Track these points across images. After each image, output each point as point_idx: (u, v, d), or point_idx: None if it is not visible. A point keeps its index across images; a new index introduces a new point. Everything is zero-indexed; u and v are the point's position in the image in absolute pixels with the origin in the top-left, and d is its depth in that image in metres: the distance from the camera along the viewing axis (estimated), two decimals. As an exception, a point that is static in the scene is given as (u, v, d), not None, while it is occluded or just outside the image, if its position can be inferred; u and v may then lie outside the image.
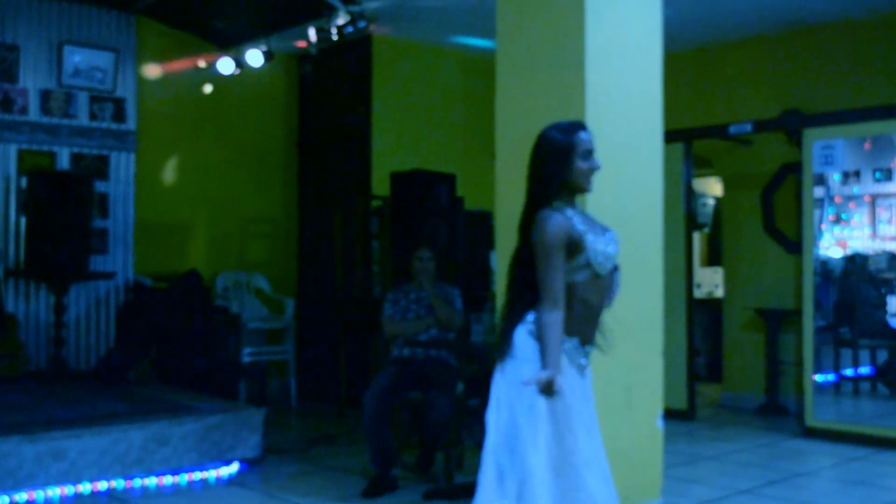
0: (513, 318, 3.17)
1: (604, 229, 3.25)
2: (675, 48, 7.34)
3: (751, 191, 8.24)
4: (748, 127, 7.41)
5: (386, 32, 8.29)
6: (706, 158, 8.83)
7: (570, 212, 3.16)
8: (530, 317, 3.12)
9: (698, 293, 9.36)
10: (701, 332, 9.30)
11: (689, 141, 7.80)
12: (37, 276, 7.39)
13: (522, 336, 3.11)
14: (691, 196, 8.05)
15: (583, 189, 3.22)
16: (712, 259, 10.68)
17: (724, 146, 8.40)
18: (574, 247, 3.11)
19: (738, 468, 5.92)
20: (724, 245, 8.76)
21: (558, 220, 3.09)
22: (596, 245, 3.14)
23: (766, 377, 7.97)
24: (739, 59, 8.44)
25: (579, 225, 3.13)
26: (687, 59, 8.49)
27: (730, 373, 8.48)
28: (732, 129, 7.47)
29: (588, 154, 3.19)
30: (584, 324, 3.17)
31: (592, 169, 3.21)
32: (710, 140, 8.15)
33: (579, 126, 3.23)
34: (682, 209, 7.71)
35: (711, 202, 10.78)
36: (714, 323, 9.32)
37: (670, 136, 5.92)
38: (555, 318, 3.01)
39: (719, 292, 9.54)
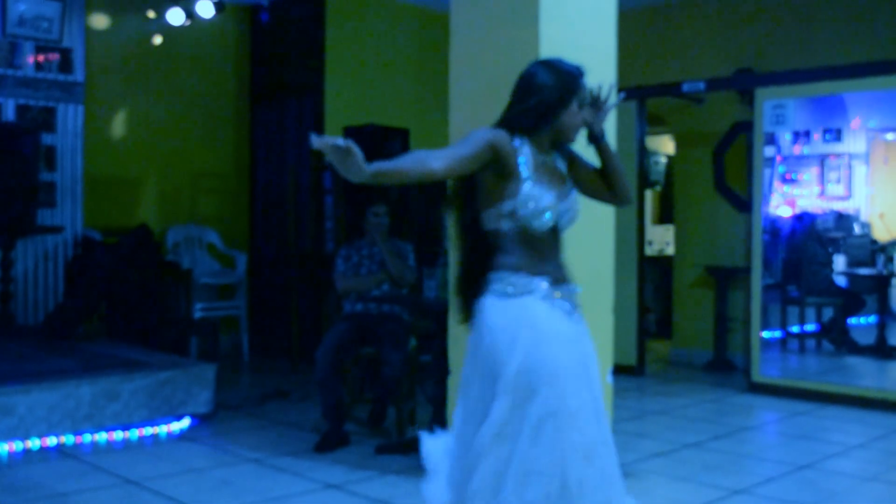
0: (473, 286, 2.86)
1: (563, 187, 2.86)
2: (630, 6, 7.35)
3: (703, 149, 8.31)
4: (701, 85, 7.45)
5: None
6: (659, 116, 8.87)
7: (527, 148, 2.80)
8: (494, 278, 2.79)
9: (650, 251, 9.45)
10: (652, 290, 9.40)
11: (642, 99, 7.84)
12: (-18, 230, 7.26)
13: (489, 302, 2.78)
14: (644, 154, 8.11)
15: (568, 140, 2.87)
16: (664, 217, 10.77)
17: (676, 104, 8.44)
18: (504, 174, 2.74)
19: (685, 423, 6.03)
20: (676, 203, 8.84)
21: (499, 133, 2.75)
22: (535, 194, 2.73)
23: (714, 334, 8.10)
24: (693, 17, 8.46)
25: (526, 165, 2.76)
26: (641, 17, 8.50)
27: (679, 329, 8.60)
28: (685, 88, 7.50)
29: (585, 105, 2.87)
30: (540, 263, 2.80)
31: (585, 121, 2.87)
32: (664, 98, 8.19)
33: (583, 71, 2.87)
34: (635, 167, 7.76)
35: (664, 160, 10.86)
36: (665, 280, 9.43)
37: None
38: (416, 156, 2.59)
39: (670, 250, 9.64)
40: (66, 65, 7.86)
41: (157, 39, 8.37)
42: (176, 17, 8.11)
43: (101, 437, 5.28)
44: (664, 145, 10.71)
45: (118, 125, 8.37)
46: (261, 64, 8.95)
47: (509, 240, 2.79)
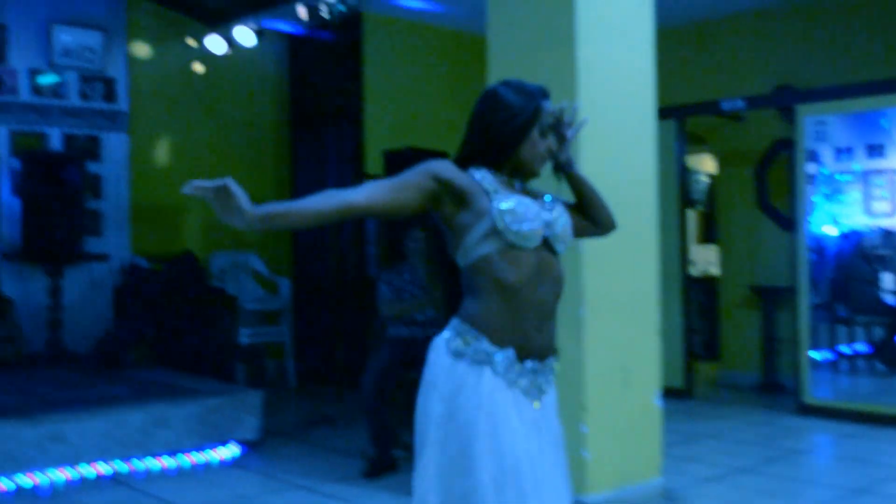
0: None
1: (544, 202, 2.50)
2: (668, 24, 7.32)
3: (744, 167, 8.24)
4: (741, 103, 7.41)
5: (376, 10, 8.24)
6: (699, 135, 8.82)
7: (486, 171, 2.45)
8: (453, 323, 2.43)
9: (693, 271, 9.37)
10: (697, 311, 9.31)
11: (681, 118, 7.80)
12: (31, 259, 7.36)
13: (438, 352, 2.45)
14: (684, 173, 8.06)
15: (532, 172, 2.50)
16: (707, 236, 10.68)
17: (717, 123, 8.39)
18: (462, 200, 2.37)
19: (736, 446, 5.96)
20: (719, 222, 8.78)
21: (443, 162, 2.42)
22: (505, 204, 2.35)
23: (762, 355, 8.00)
24: (732, 34, 8.42)
25: (486, 180, 2.41)
26: (679, 35, 8.47)
27: (726, 351, 8.51)
28: (725, 106, 7.47)
29: (549, 131, 2.51)
30: (514, 321, 2.36)
31: (550, 150, 2.52)
32: (703, 117, 8.14)
33: (545, 93, 2.50)
34: (676, 187, 7.71)
35: (705, 179, 10.77)
36: (710, 301, 9.34)
37: (663, 113, 5.91)
38: (328, 192, 2.30)
39: (714, 270, 9.56)
40: (109, 94, 7.99)
41: (199, 67, 8.48)
42: (216, 45, 8.21)
43: (152, 463, 5.32)
44: (704, 164, 10.63)
45: (162, 153, 8.48)
46: (300, 90, 9.03)
47: (487, 273, 2.37)
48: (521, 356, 2.37)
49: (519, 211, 2.35)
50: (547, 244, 2.43)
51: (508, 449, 2.30)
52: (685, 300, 7.77)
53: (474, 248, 2.37)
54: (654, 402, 4.77)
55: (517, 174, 2.50)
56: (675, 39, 8.28)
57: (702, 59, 8.58)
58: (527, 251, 2.37)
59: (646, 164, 4.83)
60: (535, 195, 2.51)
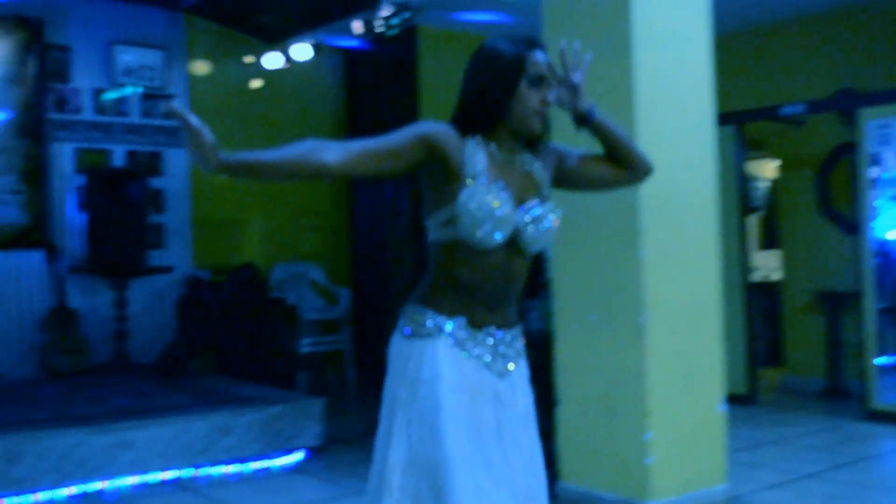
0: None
1: (541, 203, 2.32)
2: (725, 30, 7.26)
3: (806, 172, 8.14)
4: (801, 108, 7.31)
5: (431, 24, 8.29)
6: (759, 141, 8.72)
7: (483, 145, 2.29)
8: (403, 310, 2.37)
9: (755, 277, 9.26)
10: (759, 317, 9.20)
11: (740, 124, 7.71)
12: (97, 272, 7.52)
13: (392, 340, 2.40)
14: (744, 179, 7.97)
15: (529, 130, 2.30)
16: (767, 242, 10.56)
17: (776, 128, 8.29)
18: (449, 175, 2.22)
19: (802, 452, 5.87)
20: (781, 228, 8.67)
21: (440, 126, 2.26)
22: (478, 195, 2.18)
23: (827, 360, 7.88)
24: (790, 38, 8.32)
25: (476, 160, 2.23)
26: (737, 41, 8.39)
27: (790, 357, 8.39)
28: (785, 111, 7.38)
29: (539, 81, 2.28)
30: (464, 304, 2.28)
31: (545, 103, 2.29)
32: (763, 122, 8.06)
33: (536, 42, 2.31)
34: (736, 193, 7.63)
35: (764, 185, 10.66)
36: (771, 307, 9.23)
37: (722, 120, 5.86)
38: (303, 145, 2.16)
39: (775, 275, 9.44)
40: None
41: (257, 83, 8.60)
42: (273, 60, 8.32)
43: (216, 470, 5.39)
44: (764, 170, 10.52)
45: (222, 167, 8.59)
46: (356, 105, 9.10)
47: (442, 259, 2.28)
48: (475, 324, 2.28)
49: (477, 215, 2.18)
50: (515, 244, 2.28)
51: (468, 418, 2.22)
52: (747, 306, 7.68)
53: (436, 229, 2.27)
54: (718, 408, 4.72)
55: (518, 138, 2.32)
56: (733, 45, 8.21)
57: (761, 64, 8.49)
58: (484, 253, 2.24)
59: (706, 171, 4.79)
60: (533, 185, 2.35)
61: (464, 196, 2.19)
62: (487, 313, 2.30)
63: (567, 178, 2.49)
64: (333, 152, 2.11)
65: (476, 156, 2.24)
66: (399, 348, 2.36)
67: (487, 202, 2.19)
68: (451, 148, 2.22)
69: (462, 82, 2.36)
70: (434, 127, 2.24)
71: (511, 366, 2.35)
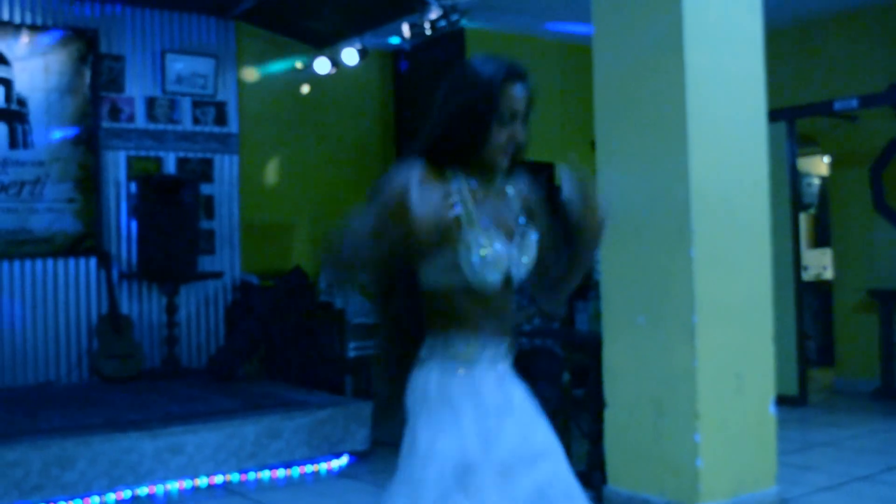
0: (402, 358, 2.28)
1: (525, 230, 2.23)
2: (776, 25, 7.16)
3: (859, 168, 7.99)
4: (854, 103, 7.19)
5: (479, 25, 8.28)
6: (811, 137, 8.59)
7: (461, 177, 2.16)
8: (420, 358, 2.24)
9: (806, 276, 9.12)
10: (810, 316, 9.06)
11: (792, 120, 7.61)
12: (149, 278, 7.63)
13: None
14: (796, 176, 7.85)
15: (498, 165, 2.16)
16: (819, 240, 10.40)
17: (829, 123, 8.16)
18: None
19: (854, 454, 5.76)
20: (833, 225, 8.53)
21: (406, 176, 2.03)
22: (475, 237, 2.10)
23: (880, 360, 7.73)
24: (842, 33, 8.19)
25: (460, 205, 2.12)
26: (788, 36, 8.27)
27: (842, 357, 8.25)
28: (837, 106, 7.26)
29: (512, 117, 2.12)
30: (471, 324, 2.21)
31: (513, 140, 2.14)
32: (815, 118, 7.94)
33: (515, 73, 2.15)
34: (788, 190, 7.52)
35: (817, 182, 10.50)
36: (823, 306, 9.08)
37: (773, 116, 5.78)
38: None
39: (827, 274, 9.29)
40: (220, 117, 8.23)
41: (306, 88, 8.67)
42: (322, 66, 8.38)
43: (265, 474, 5.43)
44: (816, 166, 10.36)
45: (270, 172, 8.68)
46: (404, 107, 9.13)
47: (441, 302, 2.19)
48: (473, 336, 2.19)
49: (490, 260, 2.11)
50: (508, 279, 2.19)
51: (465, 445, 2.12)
52: (799, 305, 7.56)
53: (434, 275, 2.16)
54: (769, 409, 4.65)
55: (482, 170, 2.18)
56: (784, 40, 8.09)
57: (812, 59, 8.36)
58: (485, 294, 2.16)
59: (757, 168, 4.72)
60: (512, 215, 2.23)
61: (465, 241, 2.10)
62: (486, 324, 2.21)
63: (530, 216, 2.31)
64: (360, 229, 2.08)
65: (462, 194, 2.14)
66: (415, 384, 2.26)
67: (488, 246, 2.11)
68: (432, 205, 2.02)
69: (436, 103, 2.22)
70: (402, 180, 2.03)
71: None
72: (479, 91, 2.11)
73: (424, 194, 1.99)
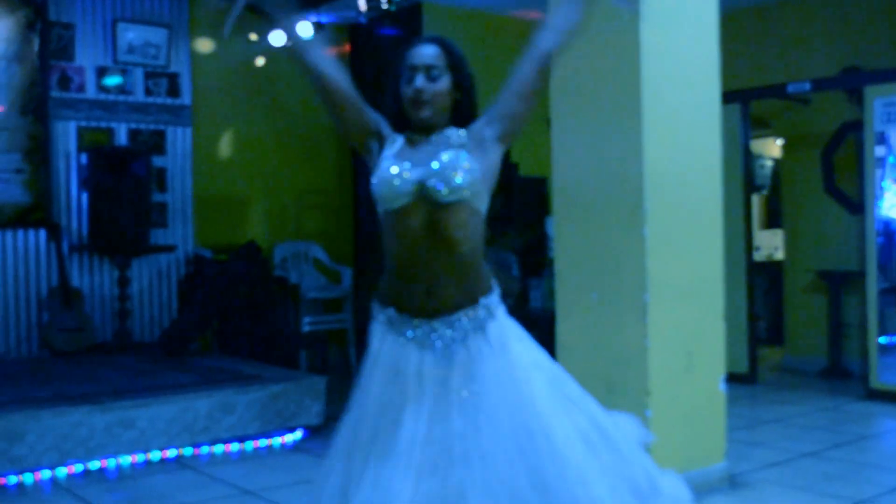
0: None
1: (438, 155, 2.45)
2: (731, 7, 7.20)
3: (810, 151, 8.10)
4: (807, 86, 7.27)
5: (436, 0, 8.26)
6: (764, 119, 8.69)
7: (400, 138, 2.54)
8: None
9: (757, 256, 9.25)
10: (761, 296, 9.20)
11: (746, 101, 7.67)
12: (100, 251, 7.54)
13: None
14: (749, 158, 7.94)
15: (415, 118, 2.50)
16: (771, 221, 10.54)
17: (782, 106, 8.26)
18: (374, 160, 2.53)
19: (801, 431, 5.87)
20: (784, 207, 8.64)
21: (384, 118, 2.61)
22: (381, 168, 2.44)
23: (828, 340, 7.87)
24: (797, 16, 8.27)
25: (395, 146, 2.51)
26: (743, 18, 8.34)
27: (792, 336, 8.39)
28: (791, 89, 7.34)
29: (411, 72, 2.51)
30: (396, 286, 2.50)
31: (416, 91, 2.48)
32: (768, 100, 8.02)
33: (419, 40, 2.60)
34: (741, 171, 7.60)
35: (769, 164, 10.63)
36: (774, 286, 9.21)
37: (727, 97, 5.82)
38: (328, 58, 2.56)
39: (779, 255, 9.42)
40: (173, 89, 8.11)
41: (260, 61, 8.57)
42: (277, 38, 8.28)
43: (218, 448, 5.41)
44: (769, 148, 10.48)
45: (224, 146, 8.59)
46: (359, 82, 9.02)
47: (383, 240, 2.51)
48: (401, 311, 2.46)
49: (382, 179, 2.42)
50: (428, 198, 2.40)
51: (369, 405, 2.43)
52: (750, 285, 7.66)
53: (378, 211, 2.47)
54: (719, 387, 4.72)
55: (425, 129, 2.53)
56: (739, 22, 8.16)
57: (767, 42, 8.43)
58: (405, 213, 2.40)
59: (711, 149, 4.77)
60: (449, 146, 2.48)
61: (375, 174, 2.46)
62: (426, 297, 2.43)
63: (507, 123, 2.61)
64: (333, 67, 2.52)
65: (394, 145, 2.49)
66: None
67: (385, 168, 2.41)
68: (384, 138, 2.52)
69: None
70: (383, 118, 2.56)
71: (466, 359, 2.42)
72: (397, 59, 2.54)
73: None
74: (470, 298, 2.45)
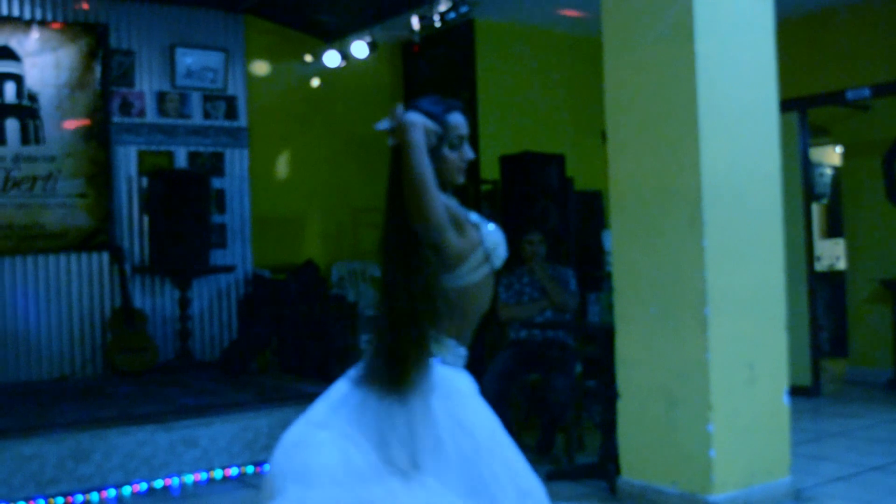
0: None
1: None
2: (787, 14, 7.13)
3: (871, 158, 7.96)
4: (866, 92, 7.16)
5: (488, 16, 8.28)
6: (823, 127, 8.56)
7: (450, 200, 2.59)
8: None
9: (819, 266, 9.10)
10: (823, 307, 9.04)
11: (804, 109, 7.57)
12: (161, 272, 7.66)
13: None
14: (808, 166, 7.83)
15: (453, 182, 2.60)
16: (832, 231, 10.36)
17: (841, 113, 8.14)
18: (459, 228, 2.52)
19: (867, 444, 5.75)
20: (845, 215, 8.51)
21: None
22: (491, 234, 2.58)
23: (893, 351, 7.71)
24: (854, 21, 8.15)
25: (464, 211, 2.59)
26: (800, 25, 8.24)
27: (855, 347, 8.24)
28: (850, 95, 7.23)
29: (460, 141, 2.60)
30: (460, 325, 2.59)
31: (465, 160, 2.61)
32: (827, 107, 7.91)
33: (453, 106, 2.64)
34: (800, 180, 7.50)
35: (829, 172, 10.45)
36: (836, 296, 9.05)
37: (785, 106, 5.76)
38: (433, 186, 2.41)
39: (840, 265, 9.26)
40: (231, 112, 8.24)
41: (315, 82, 8.67)
42: (332, 59, 8.37)
43: (279, 467, 5.45)
44: (828, 157, 10.31)
45: (281, 166, 8.69)
46: (414, 99, 9.09)
47: (464, 297, 2.57)
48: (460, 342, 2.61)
49: (496, 237, 2.58)
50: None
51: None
52: (811, 296, 7.54)
53: (466, 275, 2.53)
54: (782, 399, 4.65)
55: (445, 188, 2.59)
56: (795, 29, 8.06)
57: (825, 49, 8.32)
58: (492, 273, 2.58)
59: (769, 158, 4.71)
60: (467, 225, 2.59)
61: (486, 237, 2.56)
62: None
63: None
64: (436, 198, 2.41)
65: (451, 203, 2.56)
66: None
67: (498, 238, 2.59)
68: (447, 207, 2.50)
69: None
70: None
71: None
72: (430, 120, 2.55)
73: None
74: None
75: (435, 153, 2.54)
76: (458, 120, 2.60)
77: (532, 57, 8.71)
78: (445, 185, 2.58)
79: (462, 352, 2.60)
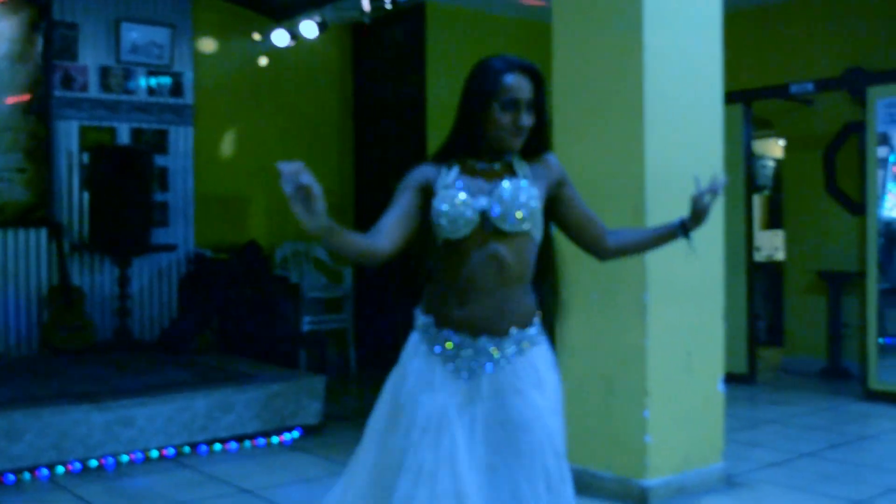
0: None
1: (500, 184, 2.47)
2: (735, 7, 7.20)
3: (813, 151, 8.09)
4: (809, 86, 7.27)
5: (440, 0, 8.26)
6: (766, 119, 8.68)
7: (457, 169, 2.50)
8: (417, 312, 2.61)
9: (758, 256, 9.24)
10: (761, 296, 9.19)
11: (748, 102, 7.67)
12: (101, 250, 7.54)
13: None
14: (751, 158, 7.94)
15: (503, 147, 2.47)
16: (772, 222, 10.53)
17: (784, 106, 8.25)
18: (430, 193, 2.48)
19: (800, 432, 5.87)
20: (786, 207, 8.64)
21: (418, 170, 2.54)
22: (449, 197, 2.43)
23: (828, 340, 7.87)
24: (800, 16, 8.26)
25: (451, 177, 2.48)
26: (747, 18, 8.32)
27: (791, 336, 8.38)
28: (793, 89, 7.34)
29: (512, 104, 2.43)
30: (444, 301, 2.53)
31: (519, 126, 2.44)
32: (771, 101, 8.01)
33: (517, 66, 2.47)
34: (742, 171, 7.60)
35: (771, 164, 10.62)
36: (774, 286, 9.21)
37: (730, 98, 5.83)
38: (368, 238, 2.38)
39: (779, 255, 9.42)
40: (176, 89, 8.12)
41: (263, 61, 8.57)
42: (280, 38, 8.28)
43: (216, 447, 5.42)
44: (771, 149, 10.47)
45: (226, 145, 8.59)
46: (363, 82, 9.07)
47: (441, 267, 2.52)
48: (442, 324, 2.52)
49: (442, 210, 2.42)
50: (491, 226, 2.44)
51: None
52: (750, 285, 7.66)
53: (436, 246, 2.50)
54: (718, 387, 4.72)
55: (498, 152, 2.50)
56: (743, 22, 8.14)
57: (770, 42, 8.43)
58: (467, 241, 2.44)
59: (713, 149, 4.77)
60: (497, 174, 2.50)
61: (434, 203, 2.45)
62: (465, 311, 2.48)
63: (555, 202, 2.62)
64: (381, 238, 2.39)
65: (449, 173, 2.48)
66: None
67: (453, 196, 2.42)
68: (431, 178, 2.49)
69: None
70: (416, 172, 2.52)
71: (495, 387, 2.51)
72: (483, 82, 2.46)
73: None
74: (517, 324, 2.51)
75: (483, 112, 2.45)
76: (513, 82, 2.43)
77: (482, 42, 8.67)
78: (496, 148, 2.48)
79: None
